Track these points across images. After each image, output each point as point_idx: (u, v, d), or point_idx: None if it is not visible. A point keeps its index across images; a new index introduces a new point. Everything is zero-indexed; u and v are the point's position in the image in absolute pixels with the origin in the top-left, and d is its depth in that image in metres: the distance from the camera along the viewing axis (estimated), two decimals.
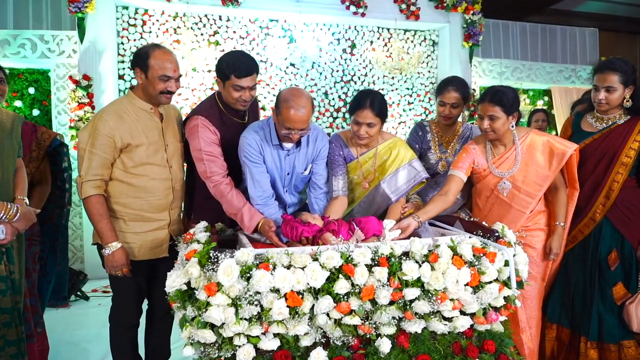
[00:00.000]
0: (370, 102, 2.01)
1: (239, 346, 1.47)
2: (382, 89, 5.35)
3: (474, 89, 5.44)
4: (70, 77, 4.22)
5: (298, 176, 2.12)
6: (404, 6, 5.00)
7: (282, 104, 1.86)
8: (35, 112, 4.60)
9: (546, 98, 6.15)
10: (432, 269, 1.57)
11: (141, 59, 1.96)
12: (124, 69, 4.59)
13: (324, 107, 5.17)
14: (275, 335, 1.51)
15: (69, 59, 4.44)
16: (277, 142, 1.98)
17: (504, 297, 1.68)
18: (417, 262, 1.58)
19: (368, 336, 1.58)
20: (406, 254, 1.63)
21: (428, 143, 2.43)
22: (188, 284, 1.47)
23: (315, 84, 5.16)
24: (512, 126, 2.09)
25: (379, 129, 2.09)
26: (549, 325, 2.35)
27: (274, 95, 5.03)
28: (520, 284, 1.71)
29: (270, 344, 1.48)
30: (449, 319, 1.63)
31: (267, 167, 2.03)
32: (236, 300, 1.41)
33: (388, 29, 5.32)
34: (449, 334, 1.66)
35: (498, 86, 2.12)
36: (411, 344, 1.62)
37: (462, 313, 1.65)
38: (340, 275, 1.51)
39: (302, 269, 1.49)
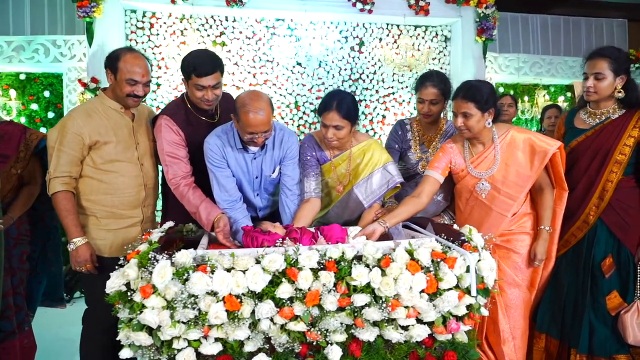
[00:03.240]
0: (337, 104, 1.94)
1: (178, 350, 1.44)
2: (392, 87, 5.23)
3: None
4: (79, 80, 4.35)
5: (267, 179, 2.08)
6: (412, 1, 4.87)
7: (240, 110, 1.82)
8: (50, 115, 4.78)
9: (569, 94, 5.84)
10: (384, 274, 1.49)
11: (112, 61, 1.99)
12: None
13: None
14: (219, 339, 1.47)
15: (79, 63, 4.58)
16: (241, 146, 1.95)
17: (467, 306, 1.58)
18: (367, 266, 1.50)
19: (318, 343, 1.52)
20: (360, 258, 1.55)
21: (408, 142, 2.33)
22: (129, 285, 1.46)
23: (323, 83, 5.10)
24: (489, 123, 1.97)
25: (349, 132, 2.01)
26: (537, 334, 2.21)
27: (281, 95, 5.01)
28: (485, 292, 1.60)
29: (210, 348, 1.45)
30: (406, 328, 1.55)
31: (233, 172, 2.00)
32: (172, 303, 1.39)
33: (398, 26, 5.19)
34: (406, 343, 1.57)
35: (473, 81, 2.00)
36: (364, 353, 1.54)
37: (420, 321, 1.56)
38: (284, 279, 1.46)
39: (244, 272, 1.45)
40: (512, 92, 5.54)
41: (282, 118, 4.98)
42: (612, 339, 2.01)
